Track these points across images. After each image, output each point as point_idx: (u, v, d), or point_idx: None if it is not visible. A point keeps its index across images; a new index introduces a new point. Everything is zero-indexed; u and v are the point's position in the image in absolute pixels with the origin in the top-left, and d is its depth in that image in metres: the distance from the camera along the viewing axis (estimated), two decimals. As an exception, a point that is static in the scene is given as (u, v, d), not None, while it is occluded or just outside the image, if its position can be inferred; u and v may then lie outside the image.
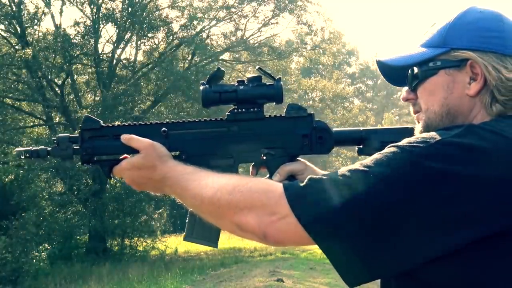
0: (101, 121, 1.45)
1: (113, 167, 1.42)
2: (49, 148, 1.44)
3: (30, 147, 1.46)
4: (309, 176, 1.09)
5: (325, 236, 1.03)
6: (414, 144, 1.03)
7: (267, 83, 1.42)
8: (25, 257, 13.32)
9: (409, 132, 1.36)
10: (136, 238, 17.78)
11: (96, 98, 18.11)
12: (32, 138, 16.62)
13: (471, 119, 1.15)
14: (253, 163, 1.47)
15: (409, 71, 1.22)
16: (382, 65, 1.27)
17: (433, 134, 1.06)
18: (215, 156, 1.42)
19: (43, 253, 15.00)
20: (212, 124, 1.43)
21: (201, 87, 1.42)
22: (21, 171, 15.27)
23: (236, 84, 1.42)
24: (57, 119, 17.51)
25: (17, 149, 1.47)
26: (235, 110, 1.43)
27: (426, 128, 1.19)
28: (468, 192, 0.98)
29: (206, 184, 1.21)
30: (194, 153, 1.41)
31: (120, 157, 1.43)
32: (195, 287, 10.99)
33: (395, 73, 1.27)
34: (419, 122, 1.23)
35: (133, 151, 1.38)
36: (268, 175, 1.45)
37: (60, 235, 16.11)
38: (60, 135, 1.45)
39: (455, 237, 0.98)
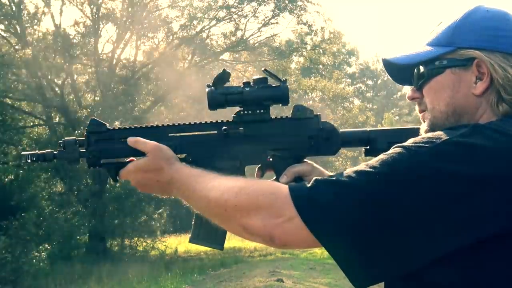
0: (107, 124, 1.44)
1: (119, 170, 1.41)
2: (55, 152, 1.43)
3: (36, 151, 1.44)
4: (314, 178, 1.08)
5: (331, 238, 1.03)
6: (420, 144, 1.03)
7: (273, 85, 1.41)
8: (25, 257, 13.30)
9: (417, 133, 1.36)
10: (136, 238, 17.78)
11: (96, 98, 18.10)
12: (32, 138, 16.62)
13: (477, 118, 1.14)
14: (259, 165, 1.46)
15: (415, 70, 1.22)
16: (387, 64, 1.27)
17: (438, 134, 1.06)
18: (221, 158, 1.41)
19: (43, 253, 14.99)
20: (218, 126, 1.42)
21: (207, 89, 1.40)
22: (21, 171, 15.26)
23: (242, 85, 1.41)
24: (57, 119, 17.51)
25: (23, 152, 1.46)
26: (241, 112, 1.42)
27: (432, 127, 1.19)
28: (474, 192, 0.97)
29: (213, 186, 1.20)
30: (200, 155, 1.40)
31: (127, 160, 1.42)
32: (195, 287, 10.99)
33: (401, 72, 1.27)
34: (424, 121, 1.23)
35: (140, 153, 1.38)
36: (274, 177, 1.44)
37: (60, 235, 16.10)
38: (66, 138, 1.44)
39: (461, 237, 0.98)
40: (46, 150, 1.44)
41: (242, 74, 20.17)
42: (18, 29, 16.44)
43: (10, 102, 16.51)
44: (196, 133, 1.42)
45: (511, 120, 1.10)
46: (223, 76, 1.40)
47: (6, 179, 15.16)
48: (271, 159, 1.42)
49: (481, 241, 0.98)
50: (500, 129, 1.05)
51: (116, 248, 17.59)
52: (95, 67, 17.63)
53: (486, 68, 1.12)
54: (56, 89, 17.30)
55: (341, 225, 1.01)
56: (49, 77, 16.88)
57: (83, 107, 17.17)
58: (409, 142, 1.06)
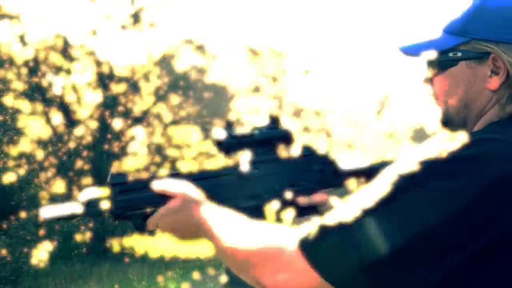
0: (128, 175, 1.43)
1: (146, 219, 1.37)
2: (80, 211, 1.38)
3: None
4: (319, 224, 1.04)
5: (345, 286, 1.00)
6: (415, 168, 0.98)
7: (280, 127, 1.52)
8: (25, 257, 13.31)
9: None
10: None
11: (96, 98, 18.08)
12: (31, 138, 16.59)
13: (485, 112, 1.11)
14: (277, 201, 1.50)
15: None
16: (401, 51, 1.20)
17: (433, 150, 1.01)
18: (242, 199, 1.47)
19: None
20: (235, 169, 1.49)
21: (218, 136, 1.48)
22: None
23: (252, 130, 1.51)
24: (57, 119, 17.48)
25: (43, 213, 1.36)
26: (254, 153, 1.50)
27: (445, 119, 1.17)
28: (477, 201, 0.95)
29: (228, 233, 1.17)
30: (223, 197, 1.44)
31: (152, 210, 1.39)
32: (195, 287, 10.98)
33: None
34: (438, 105, 1.19)
35: (166, 202, 1.33)
36: (293, 213, 1.50)
37: (60, 235, 16.08)
38: (87, 194, 1.40)
39: (463, 252, 0.97)
40: (72, 212, 1.37)
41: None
42: (18, 29, 16.43)
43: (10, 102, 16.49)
44: (216, 177, 1.48)
45: (510, 121, 1.08)
46: (230, 123, 1.50)
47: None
48: (286, 195, 1.49)
49: (481, 249, 0.97)
50: (497, 136, 1.01)
51: (116, 248, 17.58)
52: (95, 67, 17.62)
53: (503, 64, 1.07)
54: (56, 89, 17.29)
55: (354, 271, 0.97)
56: (49, 77, 16.87)
57: (83, 107, 17.14)
58: (403, 164, 1.01)
